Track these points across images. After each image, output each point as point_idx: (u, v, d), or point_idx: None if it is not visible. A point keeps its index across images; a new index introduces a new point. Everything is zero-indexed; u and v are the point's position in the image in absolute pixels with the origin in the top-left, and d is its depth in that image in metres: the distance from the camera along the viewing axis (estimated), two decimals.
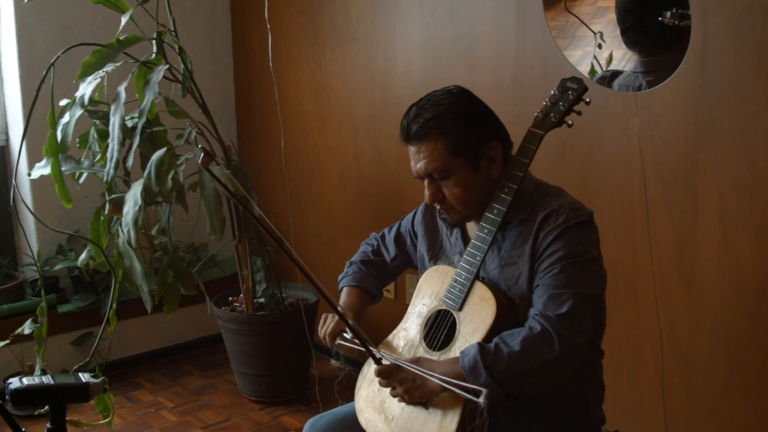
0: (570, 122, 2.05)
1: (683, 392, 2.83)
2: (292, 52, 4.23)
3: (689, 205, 2.72)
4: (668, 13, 2.55)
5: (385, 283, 2.48)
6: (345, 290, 2.40)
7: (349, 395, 2.32)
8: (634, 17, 2.67)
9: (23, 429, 1.66)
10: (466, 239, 2.17)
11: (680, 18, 2.55)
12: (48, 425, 1.65)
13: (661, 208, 2.79)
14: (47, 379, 1.63)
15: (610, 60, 2.86)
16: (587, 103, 2.04)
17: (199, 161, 1.84)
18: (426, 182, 2.06)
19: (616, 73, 2.79)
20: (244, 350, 3.84)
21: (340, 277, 2.45)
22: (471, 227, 2.18)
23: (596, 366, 2.15)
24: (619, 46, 2.81)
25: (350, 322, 2.05)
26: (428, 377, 1.93)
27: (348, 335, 2.17)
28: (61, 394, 1.61)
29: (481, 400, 1.78)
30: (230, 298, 4.05)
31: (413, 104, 2.07)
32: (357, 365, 4.16)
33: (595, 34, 2.92)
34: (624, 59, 2.82)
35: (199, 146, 1.82)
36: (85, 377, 1.64)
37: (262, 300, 3.92)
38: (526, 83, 3.17)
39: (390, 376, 2.00)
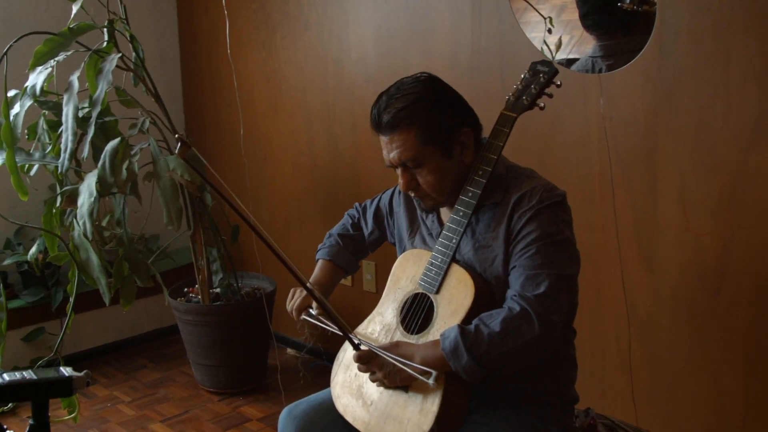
0: (542, 105, 2.07)
1: (645, 369, 2.88)
2: (243, 38, 4.18)
3: (649, 184, 2.76)
4: None
5: (360, 256, 2.51)
6: (319, 263, 2.43)
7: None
8: (594, 1, 2.70)
9: (5, 427, 1.62)
10: (441, 222, 2.18)
11: (639, 3, 2.59)
12: (30, 421, 1.61)
13: (620, 188, 2.82)
14: (29, 375, 1.59)
15: (559, 45, 2.89)
16: (558, 86, 2.06)
17: (176, 150, 1.81)
18: (399, 171, 2.06)
19: (573, 59, 2.82)
20: (201, 341, 3.80)
21: (319, 246, 2.48)
22: (445, 212, 2.18)
23: (569, 345, 2.17)
24: (567, 31, 2.85)
25: (331, 310, 2.04)
26: (386, 358, 1.96)
27: (314, 311, 2.20)
28: (43, 389, 1.58)
29: (431, 381, 1.87)
30: (185, 289, 4.01)
31: (383, 93, 2.06)
32: (314, 354, 4.19)
33: (545, 18, 2.95)
34: (571, 44, 2.85)
35: (176, 135, 1.79)
36: (67, 371, 1.60)
37: (218, 290, 3.88)
38: (482, 68, 3.18)
39: (370, 360, 2.00)
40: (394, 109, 2.00)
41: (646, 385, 2.88)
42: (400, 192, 2.34)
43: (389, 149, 2.04)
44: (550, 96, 2.07)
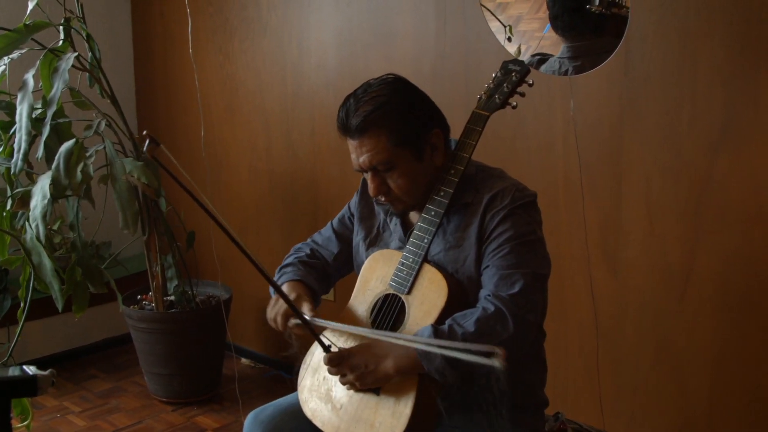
0: (514, 104, 2.05)
1: (611, 373, 2.86)
2: (199, 42, 4.11)
3: (614, 189, 2.76)
4: (596, 1, 2.58)
5: (324, 286, 2.29)
6: (286, 285, 2.17)
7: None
8: (563, 3, 2.70)
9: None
10: (406, 225, 2.14)
11: (608, 6, 2.59)
12: None
13: (585, 193, 2.81)
14: None
15: (518, 53, 2.88)
16: (530, 85, 2.05)
17: (144, 149, 1.73)
18: (369, 175, 2.02)
19: (542, 60, 2.81)
20: (155, 350, 3.70)
21: (276, 278, 2.24)
22: (411, 214, 2.15)
23: (540, 347, 2.15)
24: (524, 41, 2.85)
25: (295, 306, 1.97)
26: (416, 345, 1.83)
27: (307, 315, 2.01)
28: (6, 388, 1.50)
29: (497, 363, 1.62)
30: (139, 297, 3.91)
31: (349, 96, 2.02)
32: (270, 364, 4.11)
33: (505, 27, 2.94)
34: (528, 53, 2.85)
35: (144, 132, 1.72)
36: (31, 370, 1.53)
37: (172, 298, 3.79)
38: (446, 74, 3.16)
39: (340, 363, 1.95)
40: (364, 112, 1.96)
41: (611, 389, 2.87)
42: (359, 198, 2.28)
43: (359, 153, 2.00)
44: (522, 95, 2.06)
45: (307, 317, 1.99)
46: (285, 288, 2.15)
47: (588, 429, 2.36)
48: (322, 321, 2.00)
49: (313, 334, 1.96)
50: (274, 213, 4.00)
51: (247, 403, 3.66)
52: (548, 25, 2.77)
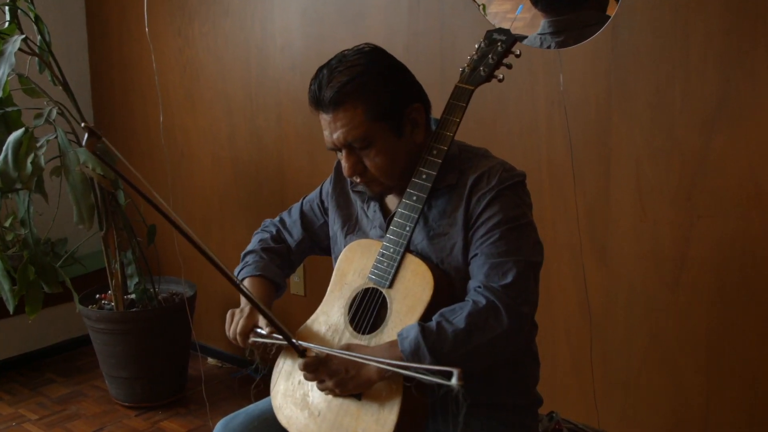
0: (501, 77, 1.89)
1: (600, 367, 2.72)
2: (157, 26, 3.89)
3: (602, 172, 2.61)
4: None
5: (288, 272, 2.19)
6: (247, 281, 2.07)
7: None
8: None
9: None
10: (385, 211, 1.97)
11: None
12: None
13: (570, 178, 2.66)
14: None
15: None
16: (517, 56, 1.89)
17: (84, 143, 1.53)
18: (344, 153, 1.84)
19: (520, 37, 2.64)
20: (115, 352, 3.50)
21: (237, 270, 2.13)
22: (390, 199, 1.98)
23: (532, 341, 2.00)
24: (496, 22, 2.69)
25: (265, 310, 1.78)
26: (373, 364, 1.69)
27: (263, 330, 1.88)
28: None
29: (454, 382, 1.46)
30: (97, 296, 3.70)
31: (322, 66, 1.84)
32: (240, 364, 3.93)
33: (479, 5, 2.79)
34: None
35: (82, 124, 1.51)
36: None
37: (133, 296, 3.59)
38: (420, 52, 2.99)
39: (318, 368, 1.76)
40: (338, 83, 1.77)
41: (601, 384, 2.73)
42: (332, 185, 2.12)
43: (332, 129, 1.81)
44: (509, 67, 1.89)
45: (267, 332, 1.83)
46: (246, 283, 2.05)
47: (582, 428, 2.21)
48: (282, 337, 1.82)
49: (286, 338, 1.77)
50: (239, 204, 3.81)
51: (215, 406, 3.48)
52: (521, 6, 2.61)
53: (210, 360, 4.05)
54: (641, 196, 2.55)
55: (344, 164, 1.84)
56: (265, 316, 1.76)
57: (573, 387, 2.78)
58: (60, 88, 3.31)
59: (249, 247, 2.18)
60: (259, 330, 1.89)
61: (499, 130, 2.80)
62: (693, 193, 2.45)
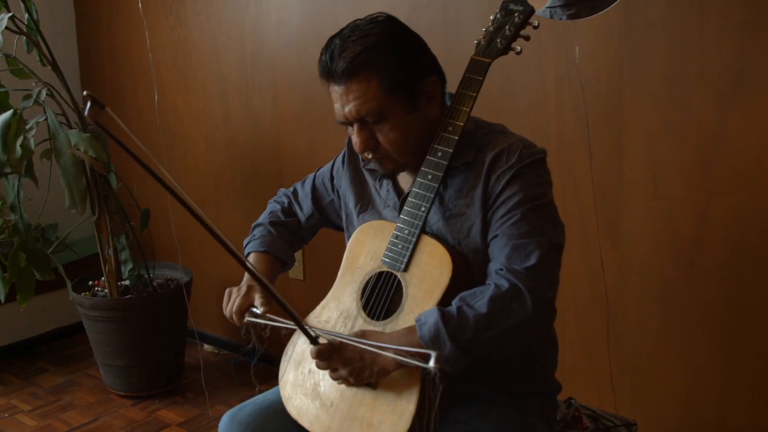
0: (518, 49, 1.80)
1: (612, 351, 2.64)
2: (149, 4, 3.77)
3: (613, 149, 2.53)
4: None
5: (297, 246, 2.16)
6: (252, 256, 2.06)
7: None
8: None
9: None
10: (398, 191, 1.88)
11: None
12: None
13: (581, 154, 2.57)
14: None
15: None
16: (535, 28, 1.80)
17: (86, 113, 1.42)
18: (356, 128, 1.75)
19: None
20: (110, 340, 3.41)
21: (245, 242, 2.11)
22: (403, 178, 1.89)
23: (551, 326, 1.91)
24: None
25: (276, 294, 1.68)
26: (379, 352, 1.62)
27: (258, 310, 1.84)
28: None
29: (431, 365, 1.45)
30: (90, 282, 3.60)
31: (334, 36, 1.75)
32: (237, 350, 3.84)
33: None
34: None
35: (84, 93, 1.41)
36: None
37: (127, 282, 3.49)
38: (422, 27, 2.84)
39: (331, 356, 1.68)
40: (351, 53, 1.68)
41: (611, 368, 2.65)
42: (344, 162, 2.03)
43: (344, 101, 1.72)
44: (527, 38, 1.80)
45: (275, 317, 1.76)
46: (251, 258, 2.04)
47: (601, 414, 2.13)
48: (280, 320, 1.77)
49: (297, 323, 1.68)
50: (235, 187, 3.71)
51: (213, 394, 3.40)
52: None
53: (206, 347, 3.97)
54: (654, 174, 2.47)
55: (355, 139, 1.76)
56: (276, 300, 1.66)
57: (583, 371, 2.71)
58: (49, 68, 3.20)
59: (259, 219, 2.15)
60: (254, 309, 1.84)
61: (505, 107, 2.71)
62: (709, 171, 2.37)
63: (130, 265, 3.44)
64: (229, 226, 3.70)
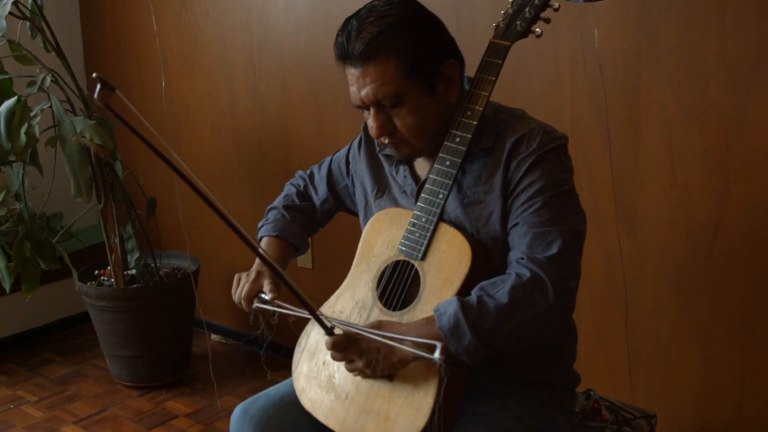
0: (539, 31, 1.75)
1: (626, 342, 2.59)
2: None
3: (630, 135, 2.47)
4: None
5: (312, 230, 2.14)
6: (264, 241, 2.04)
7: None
8: None
9: None
10: (415, 177, 1.83)
11: None
12: None
13: (597, 140, 2.52)
14: None
15: None
16: (555, 10, 1.74)
17: (95, 95, 1.37)
18: (372, 111, 1.70)
19: None
20: (116, 330, 3.36)
21: (259, 225, 2.10)
22: (420, 164, 1.84)
23: (570, 316, 1.86)
24: None
25: (289, 281, 1.63)
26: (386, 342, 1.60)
27: (266, 296, 1.81)
28: None
29: (436, 356, 1.48)
30: (96, 272, 3.55)
31: (351, 17, 1.70)
32: (242, 339, 3.80)
33: None
34: None
35: (93, 74, 1.36)
36: None
37: (133, 272, 3.45)
38: (435, 9, 2.81)
39: (347, 347, 1.63)
40: (369, 35, 1.64)
41: (625, 358, 2.61)
42: (360, 146, 1.99)
43: (361, 84, 1.68)
44: (547, 21, 1.74)
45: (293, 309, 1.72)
46: (261, 245, 2.02)
47: (620, 406, 2.09)
48: (290, 307, 1.75)
49: (312, 313, 1.63)
50: (241, 175, 3.66)
51: (220, 384, 3.36)
52: None
53: (213, 336, 3.93)
54: (672, 161, 2.41)
55: (372, 123, 1.71)
56: (290, 288, 1.60)
57: (598, 360, 2.66)
58: (53, 54, 3.14)
59: (274, 202, 2.13)
60: (263, 295, 1.82)
61: (519, 92, 2.65)
62: (728, 157, 2.31)
63: (136, 254, 3.40)
64: (236, 213, 3.65)
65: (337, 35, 1.69)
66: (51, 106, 2.96)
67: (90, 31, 4.17)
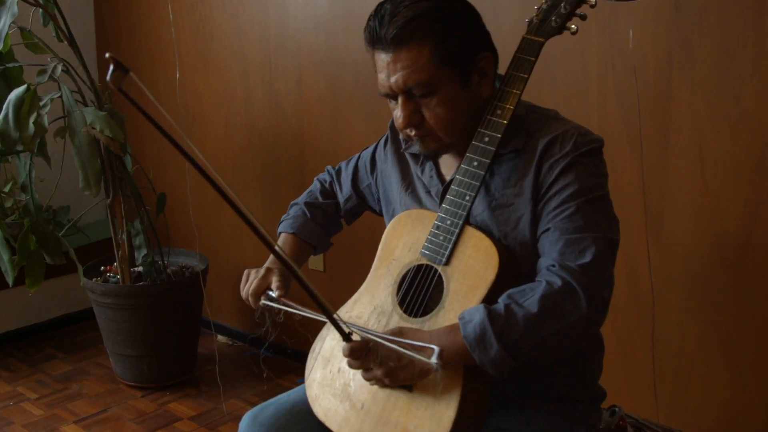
0: (574, 28, 1.66)
1: (649, 355, 2.50)
2: None
3: (659, 142, 2.39)
4: None
5: (333, 229, 2.09)
6: (281, 237, 2.00)
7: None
8: None
9: None
10: (442, 178, 1.75)
11: None
12: None
13: (624, 147, 2.43)
14: None
15: None
16: (592, 6, 1.65)
17: (108, 77, 1.27)
18: (400, 100, 1.62)
19: None
20: (121, 328, 3.28)
21: (281, 219, 2.05)
22: (446, 163, 1.76)
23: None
24: None
25: (306, 281, 1.54)
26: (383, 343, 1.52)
27: (274, 293, 1.75)
28: None
29: (434, 360, 1.42)
30: (102, 268, 3.47)
31: (384, 1, 1.62)
32: (252, 342, 3.71)
33: None
34: None
35: (107, 54, 1.27)
36: None
37: (140, 269, 3.36)
38: None
39: (365, 354, 1.55)
40: (404, 18, 1.55)
41: (648, 373, 2.52)
42: (386, 145, 1.91)
43: (391, 70, 1.59)
44: (583, 18, 1.66)
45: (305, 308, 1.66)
46: (279, 241, 1.99)
47: (646, 424, 2.00)
48: (298, 306, 1.69)
49: (329, 317, 1.54)
50: (254, 173, 3.58)
51: (226, 387, 3.27)
52: None
53: (219, 337, 3.84)
54: (703, 169, 2.33)
55: (399, 113, 1.63)
56: (307, 290, 1.50)
57: (619, 374, 2.57)
58: (65, 43, 3.07)
59: (298, 198, 2.09)
60: (270, 293, 1.78)
61: (544, 95, 2.56)
62: (762, 167, 2.22)
63: (144, 251, 3.32)
64: (250, 212, 3.56)
65: (369, 19, 1.61)
66: (61, 96, 2.88)
67: (103, 21, 4.09)
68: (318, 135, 3.28)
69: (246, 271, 1.87)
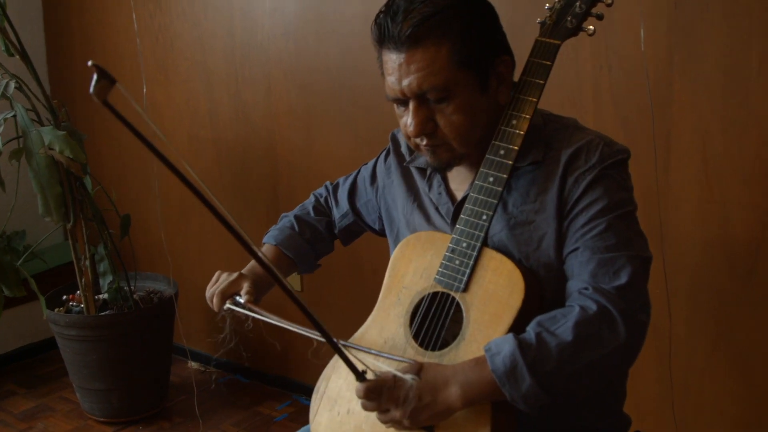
0: (591, 29, 1.54)
1: (655, 367, 2.39)
2: None
3: (660, 146, 2.28)
4: None
5: (321, 249, 1.93)
6: (264, 248, 1.87)
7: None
8: None
9: None
10: (452, 196, 1.60)
11: None
12: None
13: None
14: None
15: None
16: (608, 5, 1.53)
17: (91, 89, 1.09)
18: (412, 106, 1.46)
19: None
20: (87, 361, 3.08)
21: (269, 230, 1.92)
22: (456, 179, 1.62)
23: None
24: None
25: (315, 317, 1.37)
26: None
27: (241, 299, 1.66)
28: None
29: (408, 377, 1.36)
30: (64, 297, 3.26)
31: None
32: (226, 367, 3.54)
33: None
34: None
35: (89, 63, 1.09)
36: None
37: (105, 296, 3.16)
38: None
39: (381, 394, 1.39)
40: (420, 15, 1.41)
41: (654, 388, 2.42)
42: (388, 156, 1.78)
43: (404, 72, 1.44)
44: (600, 18, 1.53)
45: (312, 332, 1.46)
46: (263, 249, 1.87)
47: None
48: (264, 313, 1.61)
49: (339, 353, 1.37)
50: (223, 189, 3.40)
51: (203, 418, 3.08)
52: None
53: (192, 364, 3.65)
54: (708, 174, 2.23)
55: (409, 120, 1.48)
56: (308, 316, 1.34)
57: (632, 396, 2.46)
58: (16, 57, 2.87)
59: (294, 210, 1.97)
60: (238, 298, 1.68)
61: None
62: None
63: (109, 278, 3.12)
64: (218, 233, 3.39)
65: (378, 15, 1.46)
66: (15, 116, 2.69)
67: (54, 32, 3.88)
68: (290, 148, 3.12)
69: (217, 273, 1.76)
